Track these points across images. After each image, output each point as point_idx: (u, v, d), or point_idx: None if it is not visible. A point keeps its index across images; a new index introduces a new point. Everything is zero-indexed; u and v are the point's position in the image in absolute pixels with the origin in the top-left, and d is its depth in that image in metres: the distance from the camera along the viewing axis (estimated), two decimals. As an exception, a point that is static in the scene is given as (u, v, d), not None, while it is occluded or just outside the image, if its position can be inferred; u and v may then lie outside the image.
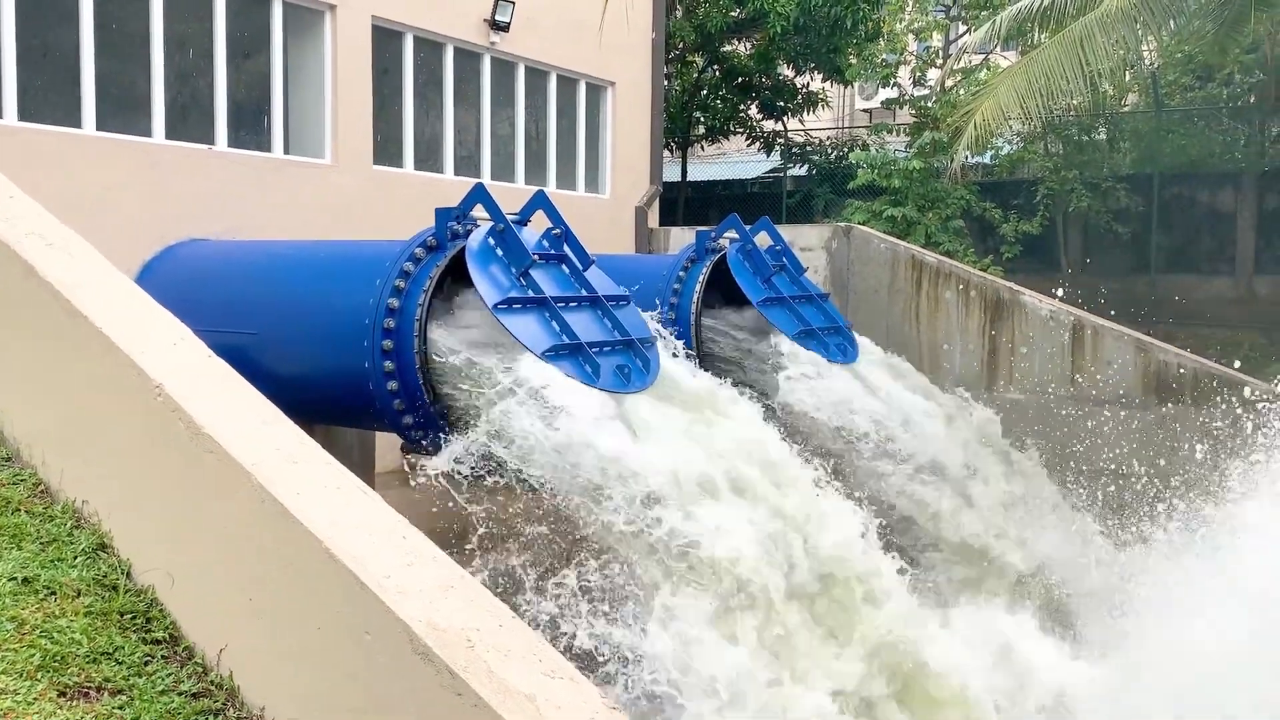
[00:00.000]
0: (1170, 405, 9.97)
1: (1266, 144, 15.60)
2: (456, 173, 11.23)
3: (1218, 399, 9.54)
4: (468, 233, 6.66)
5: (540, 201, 7.10)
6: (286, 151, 9.71)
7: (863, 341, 9.82)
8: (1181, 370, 9.95)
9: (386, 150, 10.54)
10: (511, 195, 8.31)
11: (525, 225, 6.98)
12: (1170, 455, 9.60)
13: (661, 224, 14.46)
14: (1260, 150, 15.44)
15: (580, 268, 7.03)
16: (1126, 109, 16.84)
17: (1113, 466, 10.04)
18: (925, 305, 11.40)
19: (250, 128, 9.45)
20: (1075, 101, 14.07)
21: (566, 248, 7.07)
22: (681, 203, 19.09)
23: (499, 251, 6.66)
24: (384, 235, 8.11)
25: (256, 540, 2.97)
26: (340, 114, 9.88)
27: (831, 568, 6.07)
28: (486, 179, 11.25)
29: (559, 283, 6.89)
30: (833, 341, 9.32)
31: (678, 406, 6.53)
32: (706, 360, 8.88)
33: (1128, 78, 16.06)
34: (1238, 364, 10.07)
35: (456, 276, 6.60)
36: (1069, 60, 11.64)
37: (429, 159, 11.08)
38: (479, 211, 6.80)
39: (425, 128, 11.05)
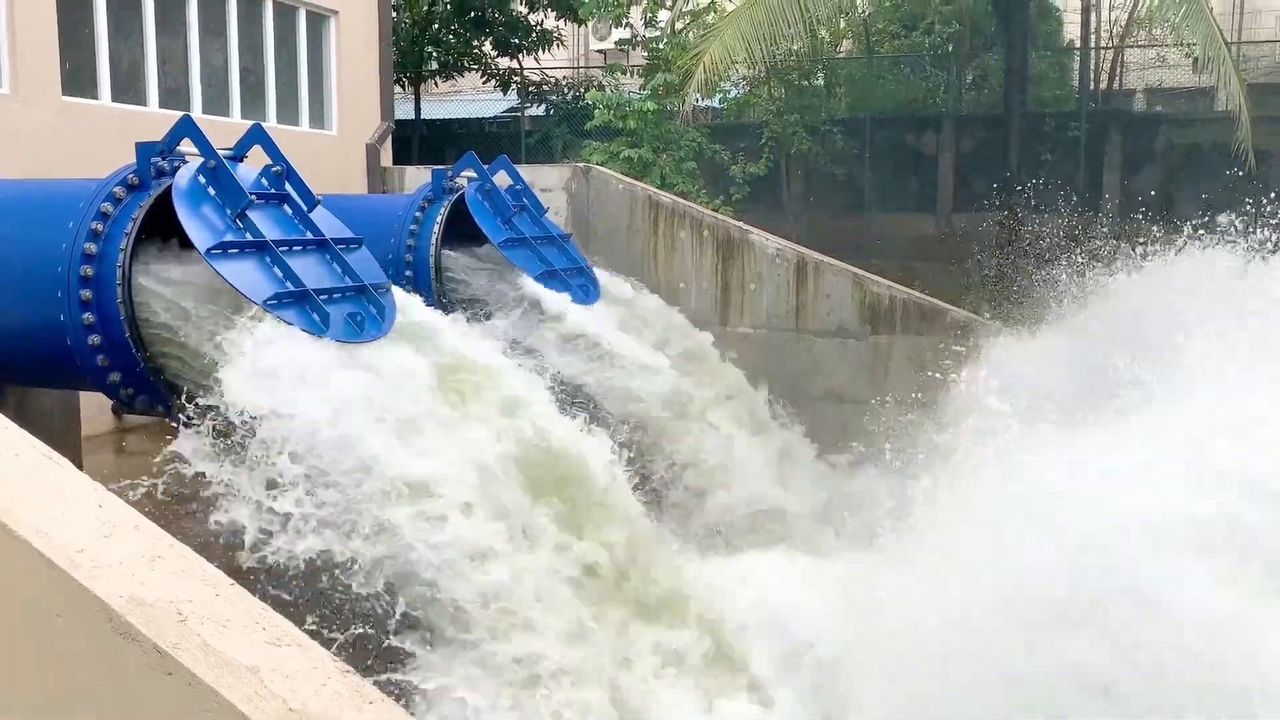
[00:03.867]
0: (883, 334, 10.76)
1: (962, 90, 16.99)
2: (162, 105, 10.29)
3: (924, 328, 10.41)
4: (175, 170, 6.10)
5: (257, 136, 6.59)
6: (-47, 78, 8.54)
7: (611, 281, 9.99)
8: (892, 301, 10.74)
9: (78, 79, 9.47)
10: (228, 131, 7.68)
11: (241, 162, 6.48)
12: (883, 380, 10.38)
13: (396, 163, 13.93)
14: (957, 96, 16.80)
15: (305, 208, 6.60)
16: (842, 55, 17.81)
17: (835, 392, 10.77)
18: (663, 245, 11.65)
19: (-95, 49, 8.22)
20: (796, 47, 14.73)
21: (289, 186, 6.62)
22: (416, 141, 18.48)
23: (211, 190, 6.13)
24: (79, 174, 7.30)
25: (-83, 521, 2.58)
26: (19, 36, 8.76)
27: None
28: (197, 113, 10.38)
29: (281, 225, 6.45)
30: (575, 282, 9.35)
31: (418, 352, 6.34)
32: (447, 304, 8.68)
33: (842, 24, 16.97)
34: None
35: (171, 221, 6.03)
36: (789, 6, 12.13)
37: (129, 90, 10.07)
38: (188, 147, 6.24)
39: (124, 55, 10.02)
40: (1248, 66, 16.87)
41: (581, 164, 12.65)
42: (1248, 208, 7.83)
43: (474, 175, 9.22)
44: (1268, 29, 20.00)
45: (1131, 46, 18.22)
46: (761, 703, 6.48)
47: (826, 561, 7.99)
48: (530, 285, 8.75)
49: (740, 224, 11.54)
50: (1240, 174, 12.70)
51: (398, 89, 17.38)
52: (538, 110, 19.74)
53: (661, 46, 15.49)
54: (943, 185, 15.89)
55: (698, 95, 13.53)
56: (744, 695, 6.51)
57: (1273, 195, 7.50)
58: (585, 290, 9.42)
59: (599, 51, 25.66)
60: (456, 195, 9.00)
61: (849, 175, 16.13)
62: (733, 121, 16.96)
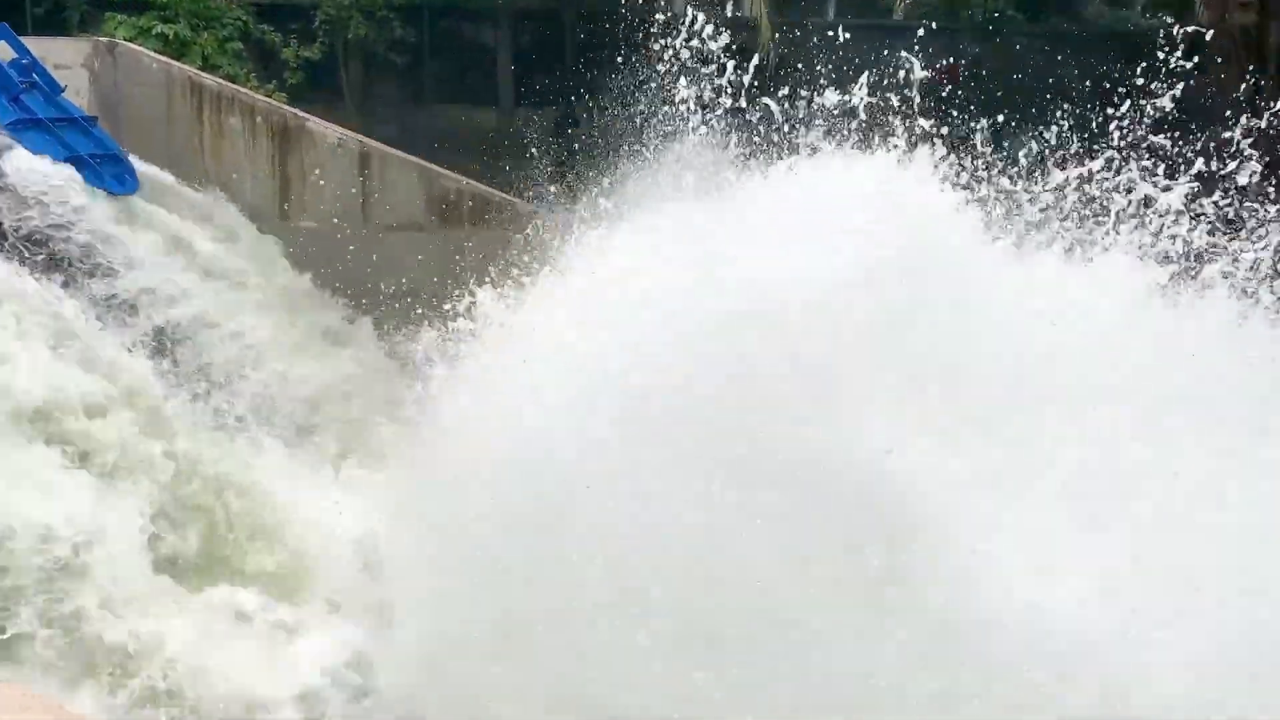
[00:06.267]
0: (453, 228, 10.81)
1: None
2: None
3: (491, 220, 10.59)
4: None
5: None
6: None
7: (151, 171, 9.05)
8: (460, 194, 10.79)
9: None
10: None
11: None
12: (455, 275, 10.44)
13: None
14: (513, -11, 16.88)
15: None
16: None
17: (406, 288, 10.66)
18: (210, 133, 10.73)
19: None
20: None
21: None
22: (-120, 4, 15.21)
23: None
24: None
25: None
26: None
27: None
28: None
29: None
30: (108, 171, 8.40)
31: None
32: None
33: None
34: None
35: None
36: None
37: None
38: None
39: None
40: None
41: (105, 39, 11.19)
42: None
43: (-35, 45, 7.86)
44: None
45: (671, -50, 19.32)
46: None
47: (382, 467, 8.06)
48: (51, 173, 7.70)
49: (297, 112, 10.90)
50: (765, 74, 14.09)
51: None
52: (45, -25, 17.01)
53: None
54: (503, 79, 16.07)
55: (239, -32, 12.44)
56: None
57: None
58: (120, 180, 8.52)
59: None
60: (-55, 67, 7.63)
61: (410, 65, 15.76)
62: (282, 1, 15.78)
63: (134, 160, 8.97)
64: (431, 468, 6.40)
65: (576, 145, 14.27)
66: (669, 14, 7.66)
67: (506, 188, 11.32)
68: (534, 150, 12.88)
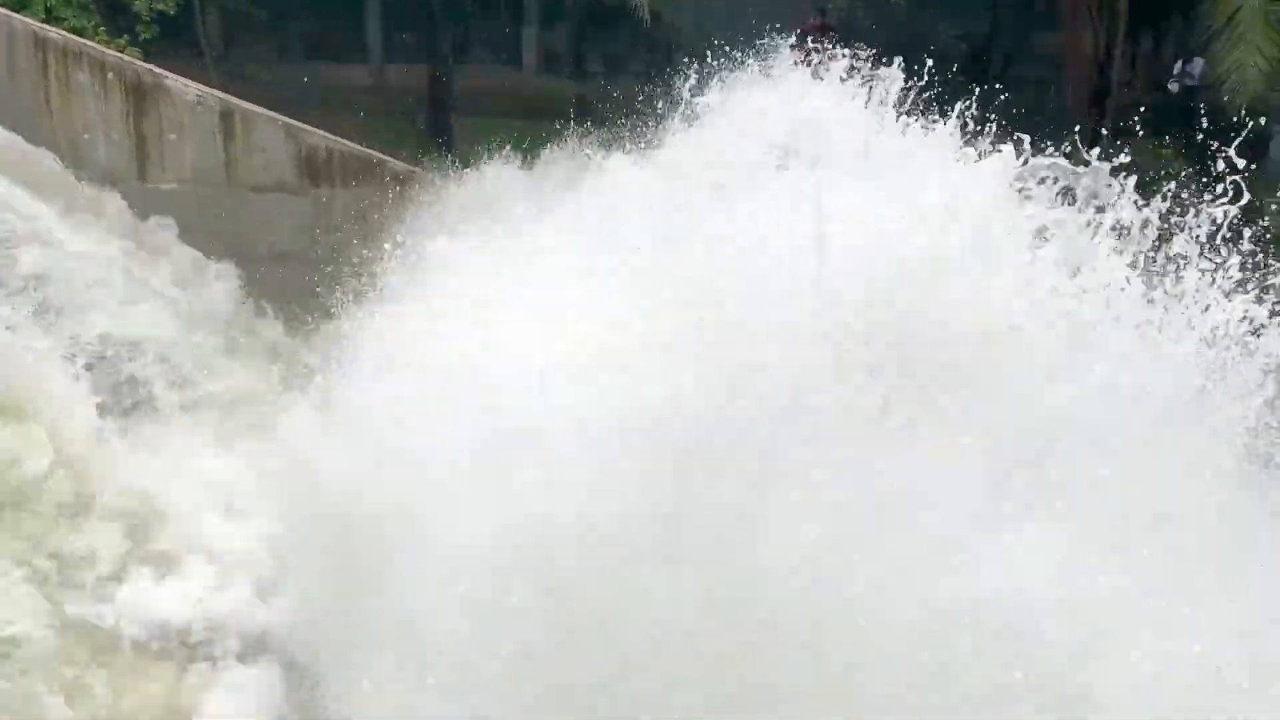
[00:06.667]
0: (323, 188, 10.50)
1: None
2: None
3: (365, 180, 10.30)
4: None
5: None
6: None
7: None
8: (330, 153, 10.46)
9: None
10: None
11: None
12: (327, 236, 10.15)
13: None
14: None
15: None
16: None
17: (278, 250, 10.30)
18: (56, 90, 10.14)
19: None
20: None
21: None
22: None
23: None
24: None
25: None
26: None
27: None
28: None
29: None
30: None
31: None
32: None
33: None
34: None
35: None
36: None
37: None
38: None
39: None
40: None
41: (-66, -11, 10.43)
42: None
43: None
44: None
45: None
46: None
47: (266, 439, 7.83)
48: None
49: (152, 68, 10.37)
50: (640, 32, 14.07)
51: None
52: None
53: None
54: (372, 34, 15.59)
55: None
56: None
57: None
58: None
59: None
60: None
61: (274, 20, 15.14)
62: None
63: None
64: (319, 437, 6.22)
65: (450, 105, 14.00)
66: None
67: (379, 146, 11.03)
68: (407, 107, 12.58)
